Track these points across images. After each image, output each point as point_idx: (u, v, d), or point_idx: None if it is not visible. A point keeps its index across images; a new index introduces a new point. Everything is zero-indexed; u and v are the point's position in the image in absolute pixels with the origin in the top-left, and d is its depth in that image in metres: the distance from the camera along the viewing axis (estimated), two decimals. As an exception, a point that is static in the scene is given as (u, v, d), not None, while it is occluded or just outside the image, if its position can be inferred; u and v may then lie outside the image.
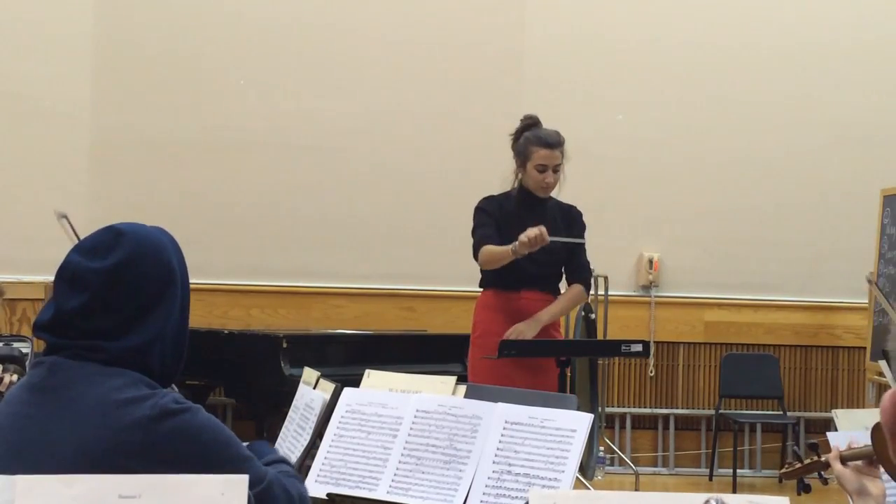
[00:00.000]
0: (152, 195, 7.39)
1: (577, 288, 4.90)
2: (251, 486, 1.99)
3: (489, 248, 4.74)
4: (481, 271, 4.91)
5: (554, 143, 4.81)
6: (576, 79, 7.69)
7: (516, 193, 4.87)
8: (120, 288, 2.05)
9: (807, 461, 2.57)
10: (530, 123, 4.92)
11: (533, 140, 4.82)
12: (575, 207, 4.97)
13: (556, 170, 4.81)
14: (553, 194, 4.92)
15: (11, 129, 7.37)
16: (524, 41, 7.73)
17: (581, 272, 4.91)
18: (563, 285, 4.99)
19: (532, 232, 4.48)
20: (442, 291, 7.53)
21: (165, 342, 2.09)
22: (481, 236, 4.81)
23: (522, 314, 4.77)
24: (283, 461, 2.31)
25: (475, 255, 4.82)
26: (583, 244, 4.86)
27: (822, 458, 2.46)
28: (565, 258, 4.90)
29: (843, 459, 2.32)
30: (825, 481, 2.59)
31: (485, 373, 4.65)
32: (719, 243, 7.77)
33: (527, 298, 4.80)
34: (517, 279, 4.77)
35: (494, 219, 4.83)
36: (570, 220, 4.92)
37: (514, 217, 4.77)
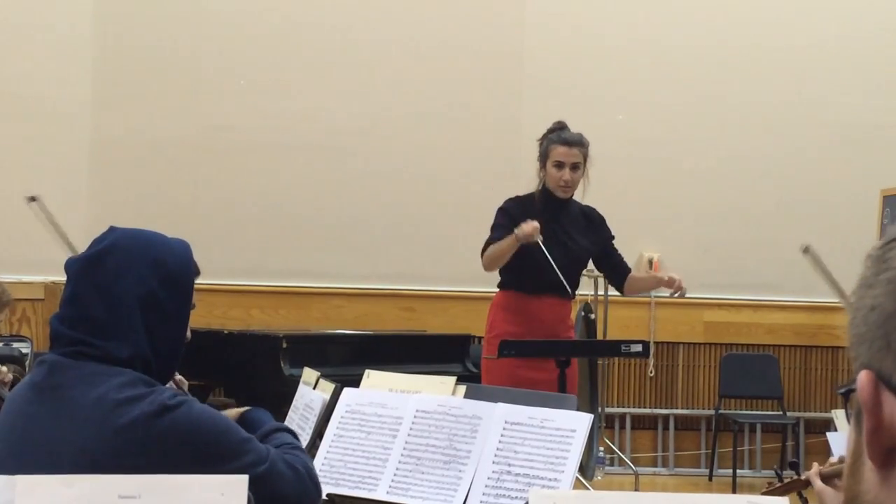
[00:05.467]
0: (152, 195, 7.39)
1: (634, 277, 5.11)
2: (255, 466, 2.01)
3: (489, 249, 4.80)
4: (500, 272, 4.94)
5: (573, 141, 4.87)
6: (576, 79, 7.69)
7: (539, 195, 4.90)
8: (97, 274, 2.07)
9: (787, 480, 2.57)
10: (556, 127, 4.97)
11: (553, 139, 4.89)
12: (596, 210, 5.04)
13: (574, 168, 4.85)
14: (577, 198, 4.98)
15: (11, 129, 7.37)
16: (524, 41, 7.73)
17: (624, 265, 5.05)
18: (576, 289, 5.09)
19: (527, 227, 4.60)
20: (442, 291, 7.53)
21: (160, 341, 2.10)
22: (491, 238, 4.84)
23: (539, 318, 4.81)
24: (284, 429, 2.32)
25: (482, 255, 4.85)
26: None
27: (802, 477, 2.45)
28: (587, 262, 5.01)
29: (824, 477, 2.28)
30: (805, 500, 2.58)
31: (498, 371, 4.68)
32: (719, 243, 7.77)
33: (543, 303, 4.83)
34: (538, 284, 4.80)
35: (515, 221, 4.84)
36: (591, 223, 4.98)
37: (536, 218, 4.80)
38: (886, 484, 0.80)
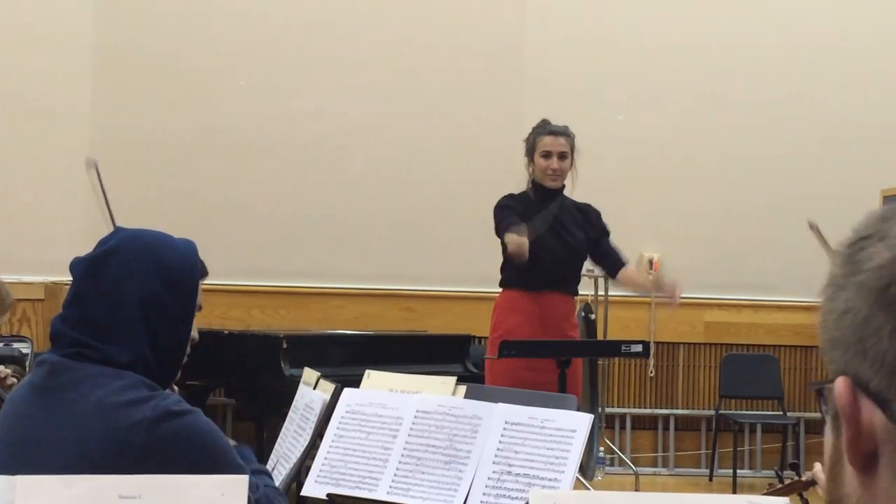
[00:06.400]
0: (152, 196, 7.38)
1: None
2: None
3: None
4: (501, 271, 4.94)
5: (558, 131, 4.95)
6: (576, 79, 7.69)
7: (531, 190, 4.95)
8: (100, 276, 2.06)
9: (787, 481, 2.57)
10: (541, 124, 5.06)
11: (539, 131, 4.99)
12: (589, 205, 5.09)
13: (561, 157, 4.90)
14: (567, 194, 5.03)
15: (11, 129, 7.37)
16: (524, 41, 7.73)
17: (619, 256, 5.05)
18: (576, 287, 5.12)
19: (512, 246, 4.59)
20: (442, 292, 7.53)
21: (162, 343, 2.09)
22: (507, 225, 4.82)
23: (543, 315, 4.82)
24: (265, 472, 2.34)
25: (503, 249, 4.85)
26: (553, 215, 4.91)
27: (804, 478, 2.45)
28: (586, 255, 5.05)
29: None
30: (805, 501, 2.58)
31: (502, 372, 4.67)
32: (719, 243, 7.76)
33: (548, 299, 4.84)
34: (540, 280, 4.82)
35: (516, 212, 4.89)
36: (586, 217, 5.04)
37: (532, 212, 4.82)
38: (869, 488, 0.79)
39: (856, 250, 0.82)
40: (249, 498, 1.85)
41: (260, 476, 2.26)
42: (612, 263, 5.08)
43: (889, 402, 0.77)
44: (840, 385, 0.79)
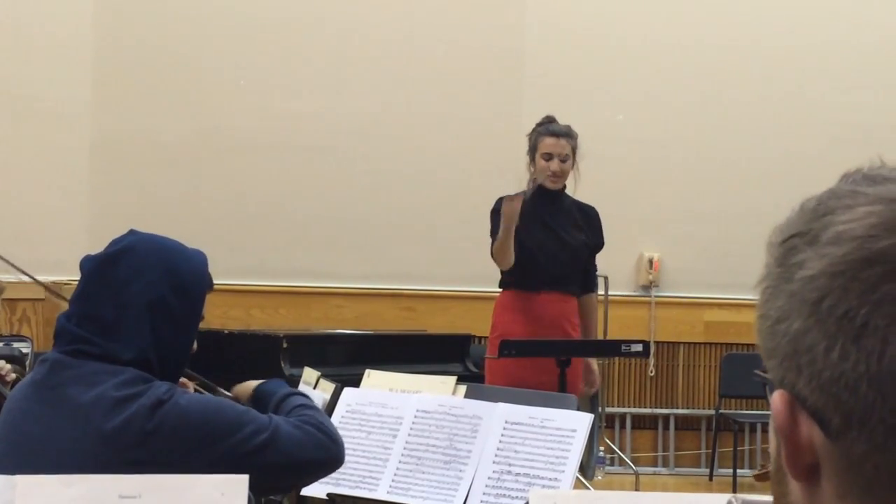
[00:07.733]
0: (152, 195, 7.38)
1: (593, 299, 5.13)
2: (257, 435, 2.02)
3: (493, 246, 4.82)
4: (501, 271, 4.95)
5: (560, 132, 4.90)
6: (576, 79, 7.69)
7: (531, 190, 4.91)
8: (109, 274, 2.07)
9: None
10: (545, 121, 5.03)
11: (541, 131, 4.95)
12: (593, 208, 5.06)
13: (563, 159, 4.87)
14: (569, 193, 5.01)
15: (11, 129, 7.37)
16: (524, 41, 7.72)
17: (592, 279, 5.08)
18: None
19: (506, 206, 4.65)
20: (442, 291, 7.53)
21: (164, 348, 2.10)
22: (494, 239, 4.85)
23: (541, 315, 4.82)
24: (295, 393, 2.31)
25: (493, 258, 4.87)
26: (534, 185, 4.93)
27: None
28: (586, 258, 5.02)
29: None
30: None
31: (502, 372, 4.68)
32: (719, 243, 7.76)
33: (545, 299, 4.83)
34: (537, 280, 4.82)
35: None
36: (587, 220, 4.99)
37: (530, 213, 4.80)
38: (814, 498, 0.76)
39: (787, 250, 0.79)
40: (264, 440, 1.87)
41: (286, 402, 2.22)
42: (583, 283, 5.07)
43: (828, 421, 0.73)
44: (777, 401, 0.76)
